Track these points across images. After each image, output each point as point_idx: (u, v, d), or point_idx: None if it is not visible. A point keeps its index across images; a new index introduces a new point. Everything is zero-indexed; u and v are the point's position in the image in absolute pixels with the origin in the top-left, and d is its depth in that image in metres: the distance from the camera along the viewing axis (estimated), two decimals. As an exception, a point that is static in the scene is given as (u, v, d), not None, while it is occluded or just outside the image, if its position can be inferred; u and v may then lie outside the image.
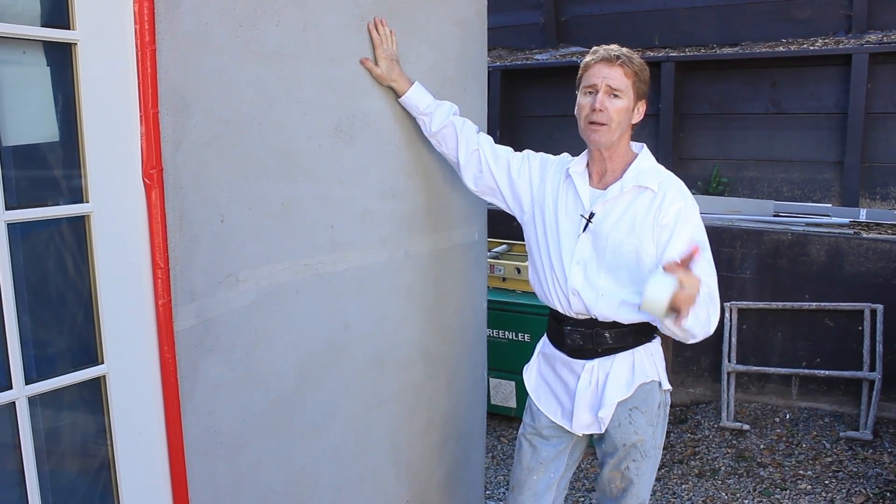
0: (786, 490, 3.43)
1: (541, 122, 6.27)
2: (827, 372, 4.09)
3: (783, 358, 4.26)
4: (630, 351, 1.95)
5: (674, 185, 1.90)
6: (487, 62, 2.56)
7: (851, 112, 5.08)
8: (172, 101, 1.52)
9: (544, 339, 2.14)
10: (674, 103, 5.61)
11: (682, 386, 4.49)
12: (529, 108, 6.38)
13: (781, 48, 5.58)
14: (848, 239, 4.14)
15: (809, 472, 3.57)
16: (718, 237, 4.40)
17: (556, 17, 6.78)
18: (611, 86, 1.86)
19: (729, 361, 4.23)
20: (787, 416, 4.14)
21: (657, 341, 2.02)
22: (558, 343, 2.05)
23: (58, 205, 1.42)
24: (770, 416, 4.16)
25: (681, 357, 4.42)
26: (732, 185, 5.56)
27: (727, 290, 4.36)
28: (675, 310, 1.63)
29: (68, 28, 1.37)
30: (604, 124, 1.87)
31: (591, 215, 1.92)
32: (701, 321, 1.74)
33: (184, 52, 1.54)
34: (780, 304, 4.21)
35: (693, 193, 1.95)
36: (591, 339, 1.96)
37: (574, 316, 1.98)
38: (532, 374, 2.15)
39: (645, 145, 2.00)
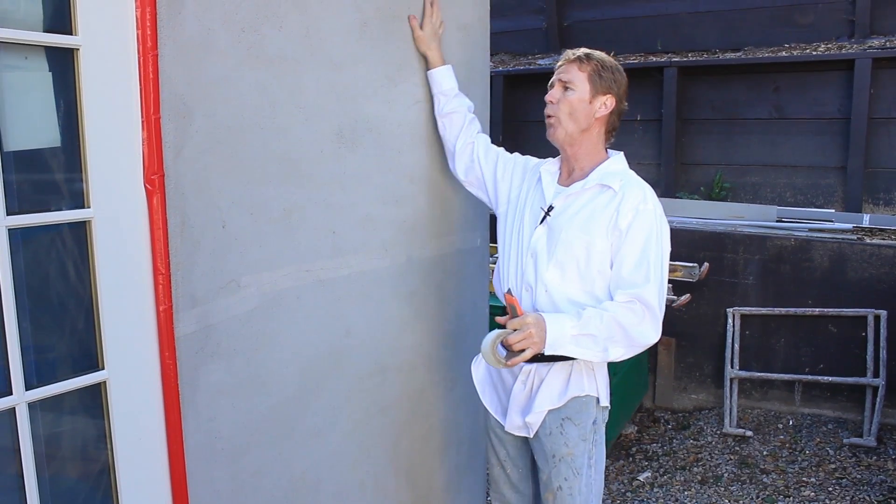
0: (789, 497, 3.42)
1: (542, 128, 6.26)
2: (830, 378, 4.08)
3: (786, 364, 4.25)
4: (570, 362, 1.93)
5: (636, 189, 1.88)
6: (490, 67, 2.56)
7: (854, 117, 5.08)
8: (174, 107, 1.52)
9: None
10: (676, 108, 5.60)
11: (685, 392, 4.47)
12: (531, 113, 6.38)
13: (784, 53, 5.58)
14: (851, 244, 4.13)
15: (813, 479, 3.55)
16: (721, 243, 4.39)
17: (558, 22, 6.79)
18: (562, 79, 1.95)
19: (732, 367, 4.22)
20: (791, 423, 4.13)
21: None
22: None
23: (59, 210, 1.41)
24: (773, 423, 4.14)
25: (683, 363, 4.41)
26: (735, 191, 5.55)
27: (730, 295, 4.35)
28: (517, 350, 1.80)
29: (70, 33, 1.37)
30: (554, 116, 1.96)
31: (550, 208, 1.95)
32: (600, 346, 1.81)
33: (186, 58, 1.53)
34: (783, 310, 4.20)
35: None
36: None
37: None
38: (481, 367, 2.17)
39: (622, 153, 2.02)
